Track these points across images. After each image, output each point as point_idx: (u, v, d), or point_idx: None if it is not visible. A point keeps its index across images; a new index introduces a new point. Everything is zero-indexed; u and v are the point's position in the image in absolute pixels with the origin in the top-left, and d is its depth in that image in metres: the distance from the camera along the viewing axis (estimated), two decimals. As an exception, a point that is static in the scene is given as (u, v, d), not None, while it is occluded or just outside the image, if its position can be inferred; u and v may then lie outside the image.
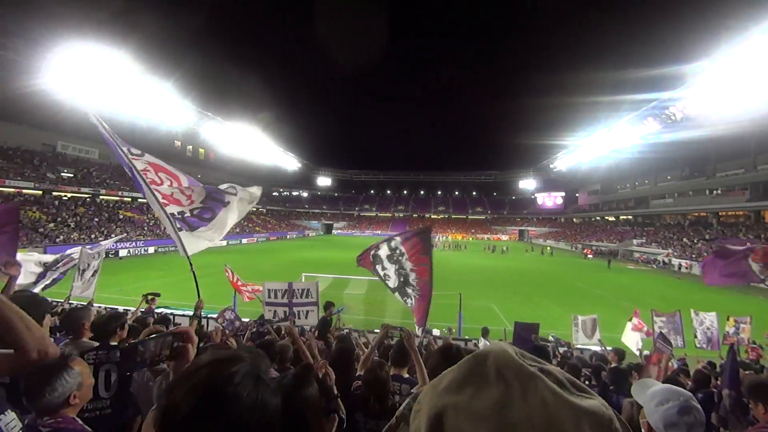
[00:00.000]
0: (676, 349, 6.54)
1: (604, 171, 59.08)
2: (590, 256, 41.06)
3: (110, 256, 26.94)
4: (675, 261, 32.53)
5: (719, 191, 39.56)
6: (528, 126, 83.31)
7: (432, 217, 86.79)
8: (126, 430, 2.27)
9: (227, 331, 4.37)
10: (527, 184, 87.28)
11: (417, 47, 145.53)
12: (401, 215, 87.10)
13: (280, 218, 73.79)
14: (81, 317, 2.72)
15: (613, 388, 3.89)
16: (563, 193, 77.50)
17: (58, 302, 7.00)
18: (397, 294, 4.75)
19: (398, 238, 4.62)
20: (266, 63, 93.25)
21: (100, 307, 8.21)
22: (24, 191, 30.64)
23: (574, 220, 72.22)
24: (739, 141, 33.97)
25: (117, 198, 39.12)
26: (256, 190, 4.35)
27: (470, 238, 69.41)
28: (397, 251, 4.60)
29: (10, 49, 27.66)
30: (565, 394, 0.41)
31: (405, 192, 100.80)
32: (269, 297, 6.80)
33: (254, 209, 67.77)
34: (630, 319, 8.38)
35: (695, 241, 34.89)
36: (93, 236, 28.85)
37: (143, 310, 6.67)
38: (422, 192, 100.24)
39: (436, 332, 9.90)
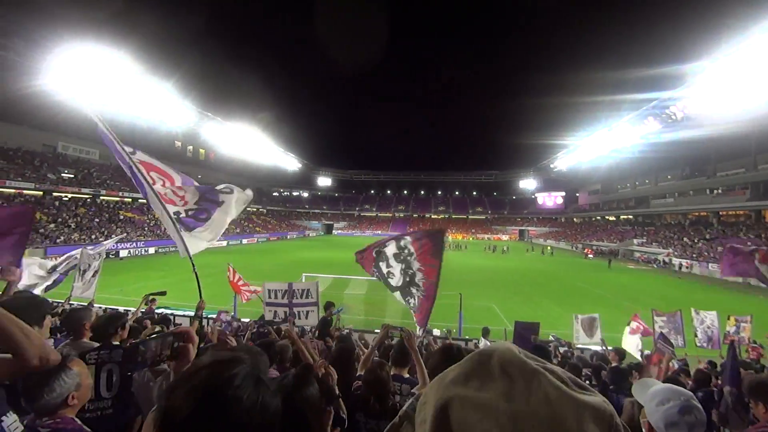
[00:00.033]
0: (677, 349, 6.52)
1: (605, 171, 59.09)
2: (591, 255, 41.05)
3: (111, 256, 26.96)
4: (675, 260, 32.51)
5: (720, 191, 39.51)
6: (528, 126, 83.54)
7: (432, 217, 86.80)
8: (127, 430, 2.28)
9: (227, 333, 4.37)
10: (527, 183, 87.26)
11: (417, 47, 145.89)
12: (401, 215, 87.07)
13: (280, 218, 73.81)
14: (82, 318, 2.72)
15: (613, 388, 3.89)
16: (563, 193, 77.48)
17: (58, 303, 7.00)
18: (398, 294, 4.71)
19: (408, 238, 4.54)
20: (266, 63, 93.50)
21: (100, 307, 8.21)
22: (24, 192, 30.66)
23: (575, 219, 72.17)
24: (739, 140, 33.94)
25: (117, 198, 39.15)
26: (249, 192, 4.33)
27: (470, 238, 69.40)
28: (406, 251, 4.53)
29: (10, 50, 27.70)
30: (567, 389, 0.43)
31: (405, 192, 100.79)
32: (269, 297, 6.80)
33: (254, 209, 67.85)
34: (628, 323, 8.37)
35: (696, 241, 34.86)
36: (93, 237, 28.88)
37: (143, 310, 6.68)
38: (422, 192, 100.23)
39: (436, 332, 9.92)
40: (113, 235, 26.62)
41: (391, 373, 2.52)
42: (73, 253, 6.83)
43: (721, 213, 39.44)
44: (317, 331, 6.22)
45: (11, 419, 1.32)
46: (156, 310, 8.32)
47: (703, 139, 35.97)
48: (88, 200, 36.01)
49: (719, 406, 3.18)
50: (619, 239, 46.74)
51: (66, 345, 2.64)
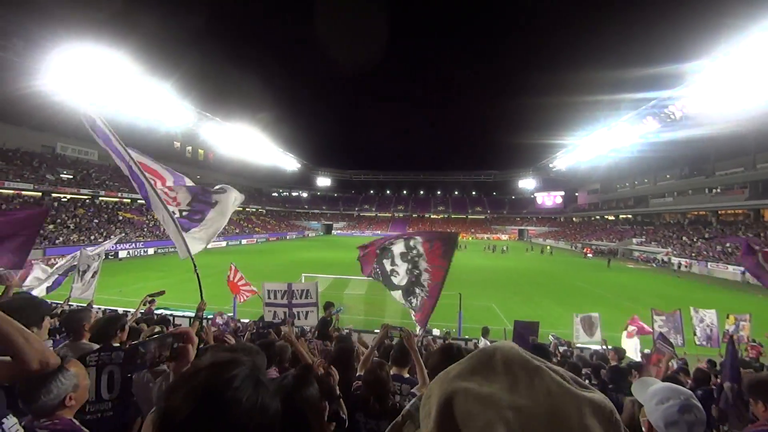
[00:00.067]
0: (676, 348, 6.53)
1: (604, 170, 59.11)
2: (590, 255, 41.11)
3: (110, 257, 26.93)
4: (674, 260, 32.57)
5: (719, 190, 39.58)
6: (527, 125, 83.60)
7: (432, 217, 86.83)
8: (127, 431, 2.27)
9: (225, 333, 4.36)
10: (527, 183, 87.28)
11: (417, 47, 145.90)
12: (401, 215, 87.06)
13: (279, 219, 73.76)
14: (81, 319, 2.72)
15: (612, 387, 3.89)
16: (563, 193, 77.54)
17: (57, 304, 7.00)
18: (398, 292, 4.68)
19: (419, 238, 4.48)
20: (266, 63, 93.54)
21: (99, 308, 8.20)
22: (23, 193, 30.60)
23: (574, 219, 72.21)
24: (738, 140, 34.01)
25: (116, 199, 39.11)
26: (239, 194, 4.30)
27: (470, 238, 69.40)
28: (415, 251, 4.48)
29: (9, 51, 27.63)
30: (568, 385, 0.44)
31: (405, 192, 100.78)
32: (269, 298, 6.79)
33: (254, 210, 67.80)
34: (625, 328, 8.36)
35: (695, 240, 34.91)
36: (92, 238, 28.85)
37: (142, 311, 6.68)
38: (422, 192, 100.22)
39: (436, 332, 9.93)
40: (112, 236, 26.60)
41: (391, 373, 2.52)
42: (74, 254, 6.85)
43: (720, 212, 39.51)
44: (317, 332, 6.22)
45: (11, 422, 1.32)
46: (155, 311, 8.30)
47: (702, 139, 36.03)
48: (87, 201, 35.96)
49: (719, 402, 3.18)
50: (618, 238, 46.79)
51: (64, 346, 2.63)
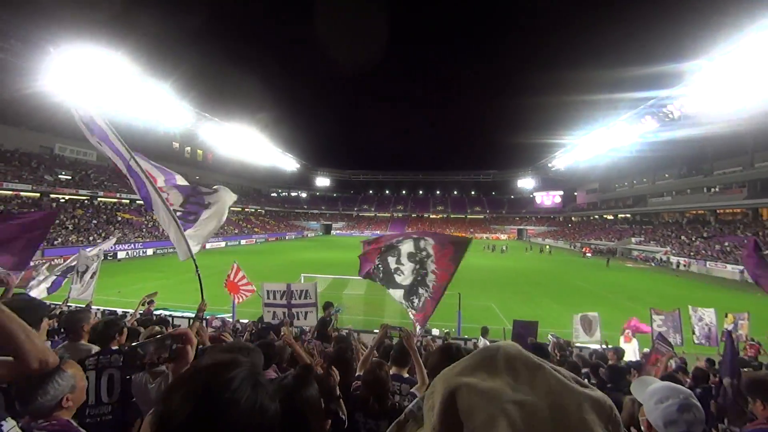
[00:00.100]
0: (675, 347, 6.53)
1: (603, 169, 59.19)
2: (589, 254, 41.15)
3: (108, 258, 26.86)
4: (673, 259, 32.64)
5: (717, 189, 39.67)
6: (526, 125, 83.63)
7: (431, 216, 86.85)
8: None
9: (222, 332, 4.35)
10: (526, 183, 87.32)
11: (416, 47, 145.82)
12: (400, 215, 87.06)
13: (278, 219, 73.69)
14: (80, 320, 2.72)
15: (610, 386, 3.89)
16: (562, 192, 77.64)
17: (56, 305, 6.98)
18: (400, 292, 4.64)
19: (431, 240, 4.42)
20: (265, 63, 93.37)
21: (98, 309, 8.19)
22: (22, 194, 30.53)
23: (573, 218, 72.31)
24: (736, 139, 34.10)
25: (115, 200, 39.03)
26: (232, 194, 4.24)
27: (469, 238, 69.28)
28: (424, 252, 4.43)
29: (7, 52, 27.55)
30: (569, 382, 0.46)
31: (404, 192, 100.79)
32: (268, 298, 6.78)
33: (253, 210, 67.72)
34: (621, 333, 8.35)
35: (693, 239, 34.98)
36: (91, 238, 28.79)
37: (141, 312, 6.67)
38: (421, 192, 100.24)
39: (435, 332, 9.93)
40: (110, 237, 26.55)
41: (391, 373, 2.52)
42: (75, 256, 6.86)
43: (718, 211, 39.61)
44: (316, 332, 6.22)
45: (10, 425, 1.32)
46: (154, 312, 8.29)
47: (701, 138, 36.10)
48: (86, 202, 35.88)
49: (717, 397, 3.19)
50: (617, 238, 46.85)
51: (62, 347, 2.63)
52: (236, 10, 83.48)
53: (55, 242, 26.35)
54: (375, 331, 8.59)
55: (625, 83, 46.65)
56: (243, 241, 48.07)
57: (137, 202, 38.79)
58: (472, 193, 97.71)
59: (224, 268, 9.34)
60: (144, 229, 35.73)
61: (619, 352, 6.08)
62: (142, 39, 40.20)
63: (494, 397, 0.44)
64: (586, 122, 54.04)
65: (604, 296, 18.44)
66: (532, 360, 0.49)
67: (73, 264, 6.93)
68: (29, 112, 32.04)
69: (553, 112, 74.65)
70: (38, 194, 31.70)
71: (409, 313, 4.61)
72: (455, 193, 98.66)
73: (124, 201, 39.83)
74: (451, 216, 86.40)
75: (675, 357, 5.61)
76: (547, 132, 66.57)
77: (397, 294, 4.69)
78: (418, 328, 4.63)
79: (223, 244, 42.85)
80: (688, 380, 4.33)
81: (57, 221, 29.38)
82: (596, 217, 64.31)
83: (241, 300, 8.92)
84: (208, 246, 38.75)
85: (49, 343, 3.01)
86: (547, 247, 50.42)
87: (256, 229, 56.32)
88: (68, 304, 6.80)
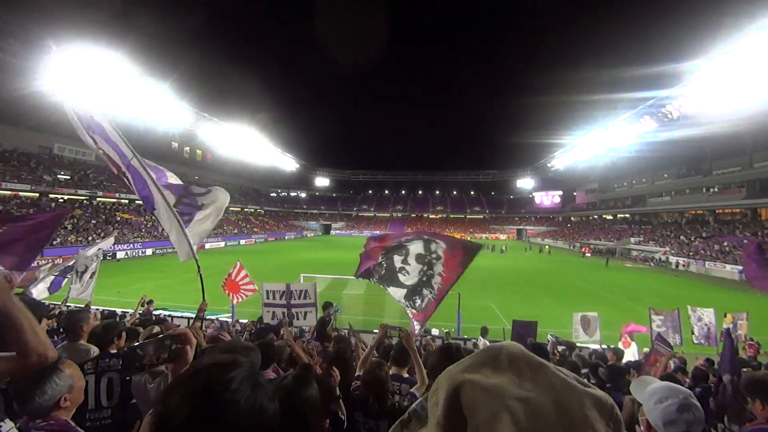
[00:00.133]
0: (675, 347, 6.53)
1: (602, 169, 59.29)
2: (588, 254, 41.18)
3: (108, 258, 26.83)
4: (672, 259, 32.69)
5: (716, 189, 39.73)
6: (526, 125, 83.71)
7: (430, 216, 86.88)
8: (126, 432, 2.26)
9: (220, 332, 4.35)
10: (525, 183, 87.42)
11: (416, 47, 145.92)
12: (399, 215, 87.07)
13: (278, 219, 73.66)
14: (80, 320, 2.72)
15: (610, 386, 3.89)
16: (561, 192, 77.72)
17: (55, 305, 6.97)
18: (402, 291, 4.61)
19: (442, 243, 4.36)
20: (265, 63, 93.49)
21: (97, 309, 8.17)
22: (20, 194, 30.47)
23: (572, 218, 72.34)
24: (735, 139, 34.15)
25: (114, 200, 38.98)
26: (226, 194, 4.12)
27: (468, 238, 69.43)
28: (434, 255, 4.38)
29: (6, 51, 27.50)
30: (570, 380, 0.47)
31: (403, 192, 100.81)
32: (267, 298, 6.78)
33: (252, 210, 67.66)
34: (620, 338, 8.35)
35: (692, 239, 35.02)
36: (90, 239, 28.72)
37: (141, 312, 6.66)
38: (420, 192, 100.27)
39: (435, 332, 9.93)
40: (108, 236, 26.47)
41: (391, 373, 2.52)
42: (75, 256, 6.86)
43: (717, 211, 39.67)
44: (315, 332, 6.22)
45: (8, 426, 1.31)
46: (154, 312, 8.28)
47: (699, 138, 36.17)
48: (85, 202, 35.83)
49: (716, 395, 3.19)
50: (616, 238, 46.89)
51: (61, 346, 2.62)
52: (236, 10, 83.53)
53: (54, 242, 26.29)
54: (374, 331, 8.59)
55: (624, 83, 46.80)
56: (242, 241, 48.04)
57: (136, 202, 38.77)
58: (472, 193, 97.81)
59: (223, 268, 9.33)
60: (143, 229, 35.68)
61: (619, 353, 6.09)
62: (142, 39, 40.22)
63: (498, 394, 0.44)
64: (586, 122, 54.18)
65: (603, 296, 18.46)
66: (534, 359, 0.50)
67: (72, 264, 6.92)
68: (28, 112, 31.95)
69: (553, 112, 74.80)
70: (37, 194, 31.65)
71: (408, 312, 4.60)
72: (455, 193, 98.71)
73: (123, 201, 39.78)
74: (451, 216, 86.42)
75: (674, 358, 5.61)
76: (546, 132, 66.70)
77: (398, 293, 4.66)
78: (417, 327, 4.61)
79: (222, 244, 42.83)
80: (688, 380, 4.33)
81: (56, 221, 29.32)
82: (595, 217, 64.34)
83: (239, 300, 8.87)
84: (207, 246, 38.70)
85: (53, 345, 3.00)
86: (547, 247, 50.45)
87: (255, 229, 56.28)
88: (67, 304, 6.79)
